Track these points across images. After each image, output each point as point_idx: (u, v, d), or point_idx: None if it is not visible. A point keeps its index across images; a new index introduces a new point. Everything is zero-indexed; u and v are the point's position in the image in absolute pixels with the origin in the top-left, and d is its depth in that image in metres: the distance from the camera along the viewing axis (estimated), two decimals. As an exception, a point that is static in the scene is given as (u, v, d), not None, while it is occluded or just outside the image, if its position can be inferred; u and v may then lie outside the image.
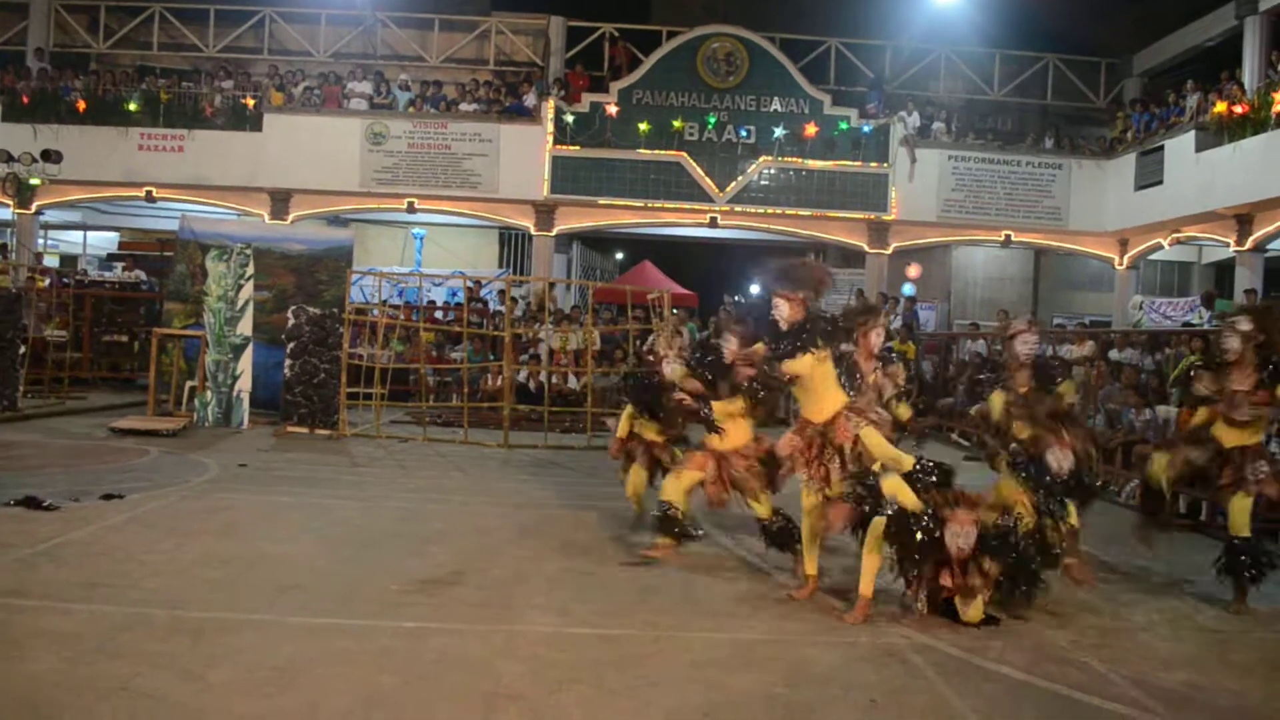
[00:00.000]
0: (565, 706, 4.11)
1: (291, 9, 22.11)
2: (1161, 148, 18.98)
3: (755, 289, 33.76)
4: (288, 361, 12.07)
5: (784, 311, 5.75)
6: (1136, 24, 22.14)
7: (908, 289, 21.26)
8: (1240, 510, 6.14)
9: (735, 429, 6.27)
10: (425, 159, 20.15)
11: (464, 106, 20.78)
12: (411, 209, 20.44)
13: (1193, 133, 18.03)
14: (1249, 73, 17.87)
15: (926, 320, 19.76)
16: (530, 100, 20.72)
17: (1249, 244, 17.46)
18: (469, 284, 16.39)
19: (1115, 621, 5.70)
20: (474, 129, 20.23)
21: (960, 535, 5.20)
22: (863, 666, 4.75)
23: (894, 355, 6.99)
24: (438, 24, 22.40)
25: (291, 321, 12.08)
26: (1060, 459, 5.66)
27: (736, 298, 26.93)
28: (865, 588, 5.47)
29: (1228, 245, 18.17)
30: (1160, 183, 18.92)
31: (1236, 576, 6.08)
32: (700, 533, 6.57)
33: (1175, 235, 19.63)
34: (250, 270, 12.32)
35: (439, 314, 18.35)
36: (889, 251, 21.25)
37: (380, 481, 9.22)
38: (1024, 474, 5.74)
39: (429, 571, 6.02)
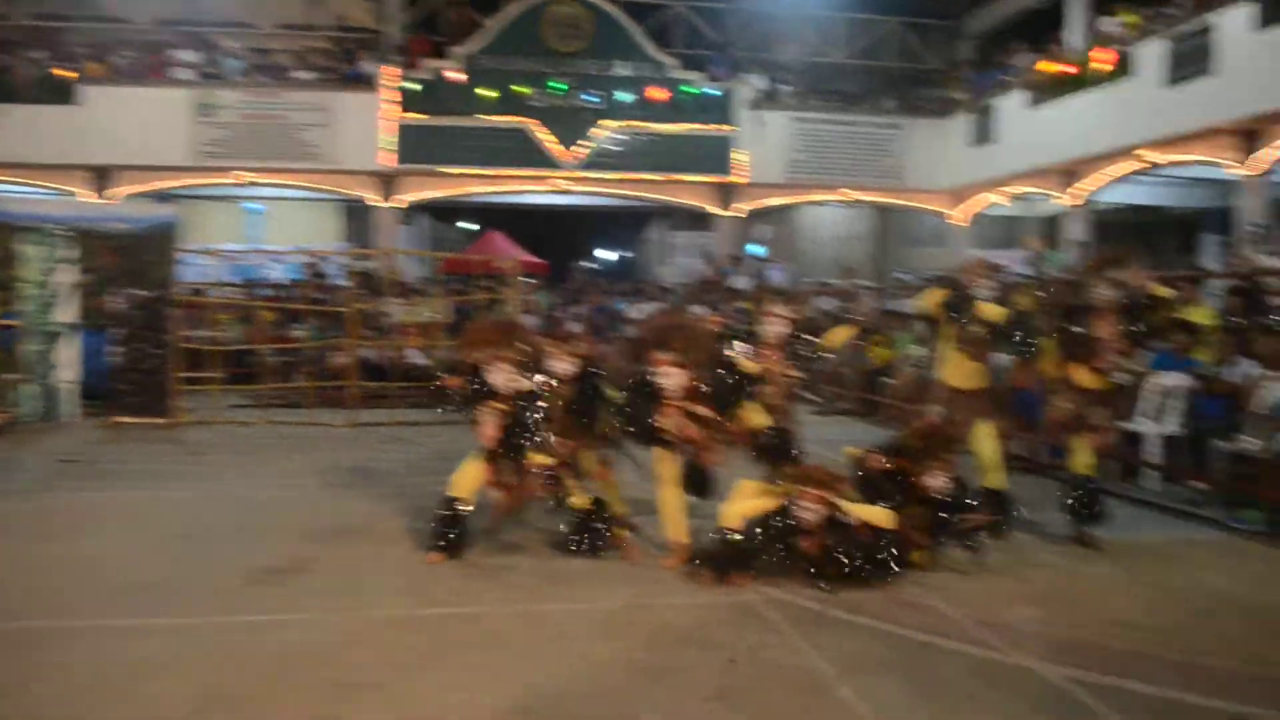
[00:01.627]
0: (422, 690, 3.99)
1: (108, -27, 20.84)
2: (994, 106, 19.70)
3: (608, 254, 33.76)
4: (116, 348, 11.41)
5: (679, 381, 5.60)
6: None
7: (758, 249, 21.56)
8: (1082, 450, 6.44)
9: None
10: (259, 130, 19.32)
11: (299, 75, 20.00)
12: (247, 183, 19.61)
13: (1022, 92, 18.76)
14: (1073, 33, 18.67)
15: (777, 280, 20.10)
16: (369, 67, 20.08)
17: (1076, 198, 18.31)
18: (310, 259, 15.83)
19: (962, 564, 5.88)
20: (311, 98, 19.51)
21: (809, 510, 5.28)
22: (721, 626, 4.77)
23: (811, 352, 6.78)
24: (268, -13, 21.46)
25: (119, 305, 11.41)
26: (937, 479, 5.72)
27: (590, 264, 26.89)
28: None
29: (1057, 199, 19.02)
30: (993, 140, 19.67)
31: (1077, 514, 6.42)
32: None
33: (1008, 191, 20.43)
34: (68, 252, 11.57)
35: (280, 291, 17.67)
36: (738, 213, 21.49)
37: (221, 469, 8.81)
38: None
39: (274, 560, 5.77)
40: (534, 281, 18.65)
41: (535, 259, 21.37)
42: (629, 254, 31.04)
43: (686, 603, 5.11)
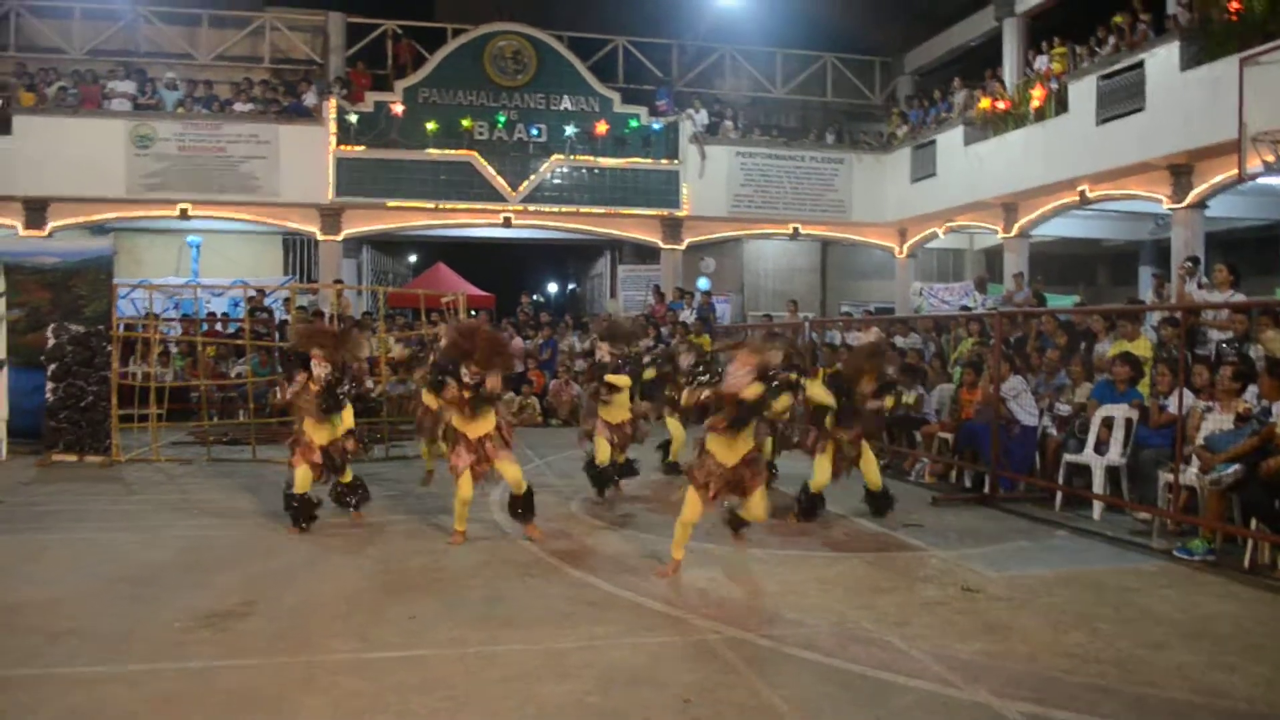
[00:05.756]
0: (368, 739, 3.87)
1: (41, 3, 20.47)
2: (933, 142, 20.04)
3: (555, 287, 33.72)
4: (49, 385, 11.09)
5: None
6: (906, 24, 23.34)
7: (703, 283, 21.67)
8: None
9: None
10: (198, 162, 19.07)
11: (239, 107, 19.79)
12: (185, 215, 19.31)
13: (961, 127, 19.12)
14: (1008, 70, 19.10)
15: (722, 313, 20.17)
16: (310, 100, 19.95)
17: (1015, 231, 18.64)
18: (250, 293, 15.58)
19: (912, 596, 5.88)
20: (250, 130, 19.29)
21: (740, 375, 6.01)
22: (675, 665, 4.69)
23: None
24: (206, 19, 21.27)
25: (52, 341, 11.11)
26: None
27: (535, 296, 26.82)
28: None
29: (996, 232, 19.35)
30: (934, 175, 20.00)
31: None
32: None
33: (949, 224, 20.76)
34: (-1, 287, 11.29)
35: (220, 326, 17.35)
36: (683, 247, 21.61)
37: (160, 509, 8.57)
38: None
39: (216, 604, 5.60)
40: (481, 315, 18.52)
41: (481, 292, 21.28)
42: (575, 287, 31.05)
43: (639, 642, 5.03)
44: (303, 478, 7.53)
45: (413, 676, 4.51)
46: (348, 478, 7.95)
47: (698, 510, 6.29)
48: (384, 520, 8.05)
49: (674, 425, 10.00)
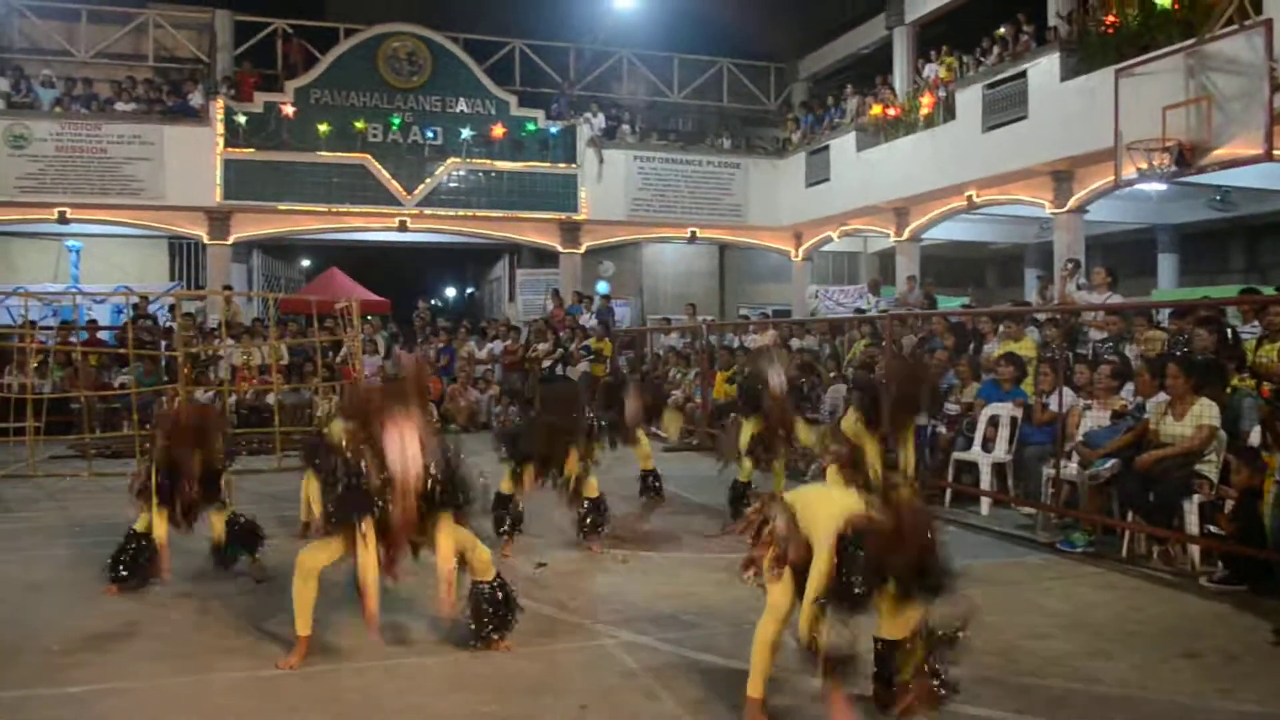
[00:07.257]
0: (257, 759, 3.77)
1: (-95, -4, 19.52)
2: (827, 147, 20.40)
3: (453, 292, 33.39)
4: (-83, 397, 10.59)
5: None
6: (801, 31, 23.73)
7: (602, 287, 21.68)
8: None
9: None
10: (78, 164, 18.32)
11: (120, 106, 19.10)
12: (64, 219, 18.56)
13: (853, 133, 19.50)
14: (899, 78, 19.54)
15: (621, 316, 20.21)
16: (196, 100, 19.38)
17: (907, 234, 19.09)
18: (134, 300, 15.05)
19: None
20: (133, 130, 18.63)
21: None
22: (573, 673, 4.69)
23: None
24: (85, 14, 20.45)
25: (-81, 351, 10.62)
26: None
27: (432, 301, 26.51)
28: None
29: (888, 235, 19.78)
30: (827, 180, 20.35)
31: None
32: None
33: (843, 228, 21.14)
34: None
35: (102, 334, 16.70)
36: (581, 251, 21.60)
37: (39, 527, 8.24)
38: None
39: (99, 624, 5.40)
40: (375, 321, 18.23)
41: (377, 297, 20.95)
42: (474, 291, 30.81)
43: (537, 650, 5.00)
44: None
45: (309, 693, 4.42)
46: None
47: None
48: (277, 530, 7.84)
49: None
